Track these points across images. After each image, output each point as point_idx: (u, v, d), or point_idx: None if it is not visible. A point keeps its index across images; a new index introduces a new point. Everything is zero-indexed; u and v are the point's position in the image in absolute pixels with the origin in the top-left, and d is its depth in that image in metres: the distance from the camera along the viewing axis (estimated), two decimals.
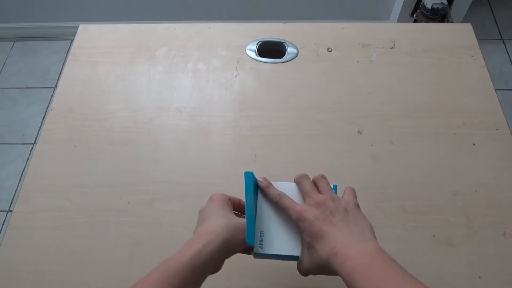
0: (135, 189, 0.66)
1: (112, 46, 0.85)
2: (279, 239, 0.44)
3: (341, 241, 0.39)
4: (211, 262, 0.40)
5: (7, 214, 1.49)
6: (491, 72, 0.77)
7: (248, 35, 0.85)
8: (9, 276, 0.59)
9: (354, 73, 0.79)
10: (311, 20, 1.79)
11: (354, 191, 0.46)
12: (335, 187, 0.47)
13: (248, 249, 0.47)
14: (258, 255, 0.45)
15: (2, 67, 1.88)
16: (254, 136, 0.71)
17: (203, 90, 0.78)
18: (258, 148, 0.70)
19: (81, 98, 0.77)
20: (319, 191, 0.45)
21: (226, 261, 0.46)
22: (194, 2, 1.73)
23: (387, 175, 0.66)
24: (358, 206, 0.44)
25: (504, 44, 1.84)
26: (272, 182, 0.47)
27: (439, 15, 1.56)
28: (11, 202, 1.52)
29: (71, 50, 0.85)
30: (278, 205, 0.45)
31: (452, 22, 1.59)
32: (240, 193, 0.48)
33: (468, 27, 0.84)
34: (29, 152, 1.63)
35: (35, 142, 1.66)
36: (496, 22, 1.92)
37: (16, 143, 1.66)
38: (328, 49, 0.82)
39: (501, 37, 1.87)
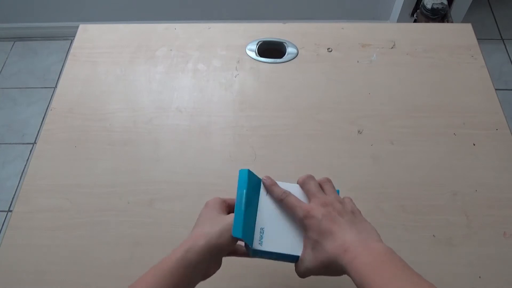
0: (135, 189, 0.66)
1: (112, 46, 0.85)
2: (280, 238, 0.44)
3: (351, 239, 0.39)
4: (198, 265, 0.40)
5: (7, 214, 1.49)
6: (491, 72, 0.77)
7: (248, 35, 0.85)
8: (9, 276, 0.59)
9: (354, 73, 0.79)
10: (311, 20, 1.79)
11: (352, 200, 0.47)
12: (337, 192, 0.47)
13: (246, 252, 0.47)
14: (256, 252, 0.44)
15: (2, 67, 1.88)
16: (254, 136, 0.71)
17: (203, 90, 0.78)
18: (258, 148, 0.70)
19: (81, 98, 0.77)
20: (324, 193, 0.45)
21: (226, 262, 0.46)
22: (194, 2, 1.73)
23: (387, 175, 0.66)
24: (360, 213, 0.44)
25: (504, 44, 1.84)
26: None
27: (439, 15, 1.56)
28: (11, 202, 1.52)
29: (71, 50, 0.85)
30: (283, 203, 0.45)
31: (452, 22, 1.59)
32: None
33: (468, 27, 0.84)
34: (29, 152, 1.63)
35: (35, 142, 1.66)
36: (496, 22, 1.92)
37: (16, 143, 1.66)
38: (328, 49, 0.82)
39: (501, 37, 1.87)
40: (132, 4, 1.75)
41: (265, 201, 0.46)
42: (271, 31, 0.86)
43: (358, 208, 0.45)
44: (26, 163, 1.60)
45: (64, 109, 0.76)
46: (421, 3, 1.60)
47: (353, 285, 0.38)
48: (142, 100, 0.77)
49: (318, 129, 0.72)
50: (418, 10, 1.64)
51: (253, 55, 0.82)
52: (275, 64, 0.81)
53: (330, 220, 0.41)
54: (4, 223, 1.47)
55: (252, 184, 0.46)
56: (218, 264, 0.45)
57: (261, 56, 0.82)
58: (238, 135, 0.71)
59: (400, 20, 1.73)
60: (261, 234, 0.44)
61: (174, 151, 0.70)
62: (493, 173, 0.66)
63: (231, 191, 0.49)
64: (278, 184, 0.46)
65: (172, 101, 0.76)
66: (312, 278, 0.44)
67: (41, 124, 1.70)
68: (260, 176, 0.47)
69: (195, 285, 0.42)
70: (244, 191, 0.45)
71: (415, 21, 1.70)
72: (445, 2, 1.56)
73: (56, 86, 1.72)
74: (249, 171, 0.46)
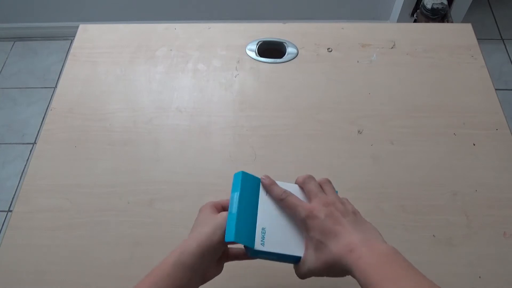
0: (135, 189, 0.66)
1: (112, 46, 0.85)
2: (282, 238, 0.43)
3: (356, 239, 0.39)
4: (194, 266, 0.41)
5: (7, 214, 1.49)
6: (491, 72, 0.77)
7: (248, 35, 0.85)
8: (9, 276, 0.59)
9: (354, 73, 0.79)
10: (311, 20, 1.79)
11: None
12: (336, 193, 0.47)
13: (245, 254, 0.46)
14: (256, 253, 0.43)
15: (2, 67, 1.88)
16: (254, 136, 0.71)
17: (203, 90, 0.78)
18: (258, 148, 0.70)
19: (81, 98, 0.77)
20: (325, 193, 0.45)
21: (226, 262, 0.46)
22: (194, 2, 1.73)
23: (387, 175, 0.66)
24: (359, 213, 0.44)
25: (504, 44, 1.84)
26: None
27: (439, 15, 1.56)
28: (11, 202, 1.52)
29: (71, 50, 0.85)
30: (284, 203, 0.44)
31: (452, 22, 1.59)
32: None
33: (468, 27, 0.84)
34: (29, 152, 1.63)
35: (35, 142, 1.66)
36: (496, 22, 1.92)
37: (16, 143, 1.66)
38: (328, 49, 0.82)
39: (501, 37, 1.87)
40: (132, 4, 1.75)
41: (265, 201, 0.46)
42: (271, 31, 0.86)
43: (358, 208, 0.45)
44: (26, 163, 1.60)
45: (64, 109, 0.76)
46: (421, 3, 1.60)
47: (353, 285, 0.38)
48: (142, 100, 0.77)
49: (318, 129, 0.72)
50: (418, 10, 1.65)
51: (253, 55, 0.82)
52: (275, 64, 0.81)
53: (333, 220, 0.41)
54: (4, 223, 1.47)
55: (249, 185, 0.46)
56: (218, 268, 0.45)
57: (261, 56, 0.82)
58: (238, 135, 0.71)
59: (400, 20, 1.73)
60: (262, 234, 0.43)
61: (174, 151, 0.70)
62: (493, 173, 0.66)
63: (230, 191, 0.49)
64: (277, 184, 0.46)
65: (172, 101, 0.76)
66: (313, 277, 0.43)
67: (41, 124, 1.70)
68: (259, 175, 0.47)
69: None
70: (236, 194, 0.44)
71: (415, 21, 1.70)
72: (445, 2, 1.56)
73: (56, 86, 1.72)
74: (243, 173, 0.46)
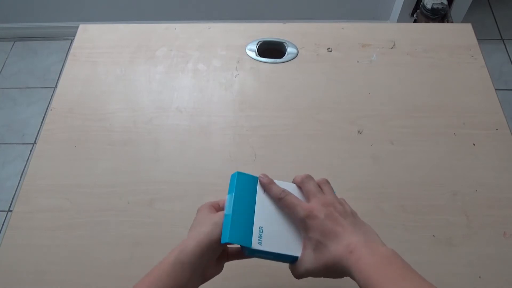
0: (135, 189, 0.66)
1: (112, 46, 0.85)
2: (279, 237, 0.43)
3: (356, 241, 0.39)
4: (193, 265, 0.41)
5: (7, 214, 1.49)
6: (491, 72, 0.77)
7: (248, 35, 0.85)
8: (9, 276, 0.59)
9: (354, 73, 0.79)
10: (311, 20, 1.79)
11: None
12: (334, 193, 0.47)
13: (239, 254, 0.46)
14: (253, 252, 0.43)
15: (2, 67, 1.88)
16: (254, 136, 0.71)
17: (203, 90, 0.78)
18: (258, 148, 0.70)
19: (81, 98, 0.77)
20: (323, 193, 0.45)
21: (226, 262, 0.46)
22: (194, 2, 1.73)
23: (387, 175, 0.66)
24: (357, 214, 0.44)
25: (504, 44, 1.84)
26: None
27: (439, 15, 1.56)
28: (11, 202, 1.52)
29: (71, 50, 0.85)
30: (282, 202, 0.44)
31: (452, 22, 1.59)
32: None
33: (468, 27, 0.84)
34: (29, 152, 1.63)
35: (35, 142, 1.66)
36: (496, 22, 1.92)
37: (16, 143, 1.66)
38: (328, 49, 0.82)
39: (501, 37, 1.87)
40: (132, 4, 1.75)
41: (262, 200, 0.45)
42: (271, 31, 0.86)
43: (358, 208, 0.45)
44: (26, 163, 1.60)
45: (64, 109, 0.76)
46: (421, 3, 1.60)
47: (352, 285, 0.38)
48: (142, 100, 0.77)
49: (318, 129, 0.71)
50: (418, 10, 1.65)
51: (253, 55, 0.82)
52: (275, 64, 0.81)
53: (333, 220, 0.41)
54: (4, 223, 1.47)
55: (245, 185, 0.45)
56: (218, 267, 0.45)
57: (261, 56, 0.82)
58: (238, 135, 0.71)
59: (400, 20, 1.73)
60: (260, 233, 0.43)
61: (174, 151, 0.70)
62: (493, 173, 0.66)
63: None
64: (275, 183, 0.46)
65: (172, 101, 0.76)
66: (313, 277, 0.43)
67: (41, 124, 1.70)
68: (258, 175, 0.47)
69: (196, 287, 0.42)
70: (231, 195, 0.44)
71: (415, 21, 1.70)
72: (445, 2, 1.56)
73: (56, 86, 1.72)
74: (238, 174, 0.46)
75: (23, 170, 1.59)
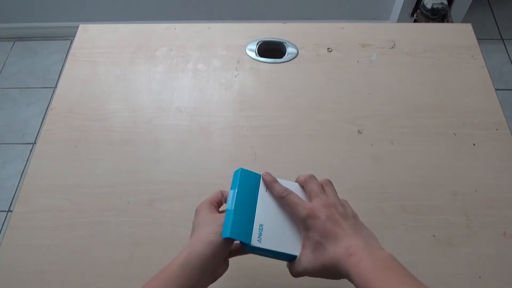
0: (135, 189, 0.66)
1: (112, 46, 0.85)
2: (279, 235, 0.43)
3: (356, 244, 0.39)
4: (203, 266, 0.41)
5: (7, 214, 1.49)
6: (491, 72, 0.77)
7: (248, 35, 0.85)
8: (9, 276, 0.59)
9: (354, 73, 0.79)
10: (311, 20, 1.79)
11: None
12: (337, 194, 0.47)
13: (242, 249, 0.46)
14: (252, 249, 0.43)
15: (2, 67, 1.88)
16: (254, 136, 0.71)
17: (203, 90, 0.78)
18: (258, 148, 0.70)
19: (81, 98, 0.77)
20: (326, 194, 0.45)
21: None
22: (194, 2, 1.73)
23: (387, 175, 0.66)
24: (358, 217, 0.44)
25: (504, 44, 1.84)
26: None
27: (439, 15, 1.56)
28: (11, 202, 1.52)
29: (71, 50, 0.85)
30: (285, 201, 0.44)
31: (452, 22, 1.59)
32: None
33: (468, 27, 0.84)
34: (29, 152, 1.63)
35: (35, 142, 1.66)
36: (496, 22, 1.92)
37: (16, 143, 1.66)
38: (328, 49, 0.82)
39: (501, 37, 1.87)
40: (132, 4, 1.75)
41: (264, 198, 0.45)
42: (271, 31, 0.86)
43: (358, 208, 0.45)
44: (26, 163, 1.60)
45: (64, 109, 0.76)
46: (421, 3, 1.60)
47: (352, 285, 0.38)
48: (142, 100, 0.77)
49: (318, 129, 0.72)
50: (418, 10, 1.65)
51: (253, 55, 0.82)
52: (275, 64, 0.81)
53: (334, 222, 0.41)
54: (4, 223, 1.47)
55: (248, 182, 0.46)
56: (225, 265, 0.45)
57: (261, 56, 0.82)
58: (238, 135, 0.71)
59: (400, 20, 1.73)
60: (260, 231, 0.43)
61: (174, 151, 0.70)
62: (493, 173, 0.66)
63: None
64: (278, 181, 0.46)
65: (172, 101, 0.76)
66: (313, 277, 0.43)
67: (41, 124, 1.70)
68: (262, 171, 0.47)
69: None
70: (234, 191, 0.44)
71: (415, 21, 1.70)
72: (445, 2, 1.56)
73: (56, 86, 1.72)
74: (242, 170, 0.46)
75: (23, 170, 1.59)
